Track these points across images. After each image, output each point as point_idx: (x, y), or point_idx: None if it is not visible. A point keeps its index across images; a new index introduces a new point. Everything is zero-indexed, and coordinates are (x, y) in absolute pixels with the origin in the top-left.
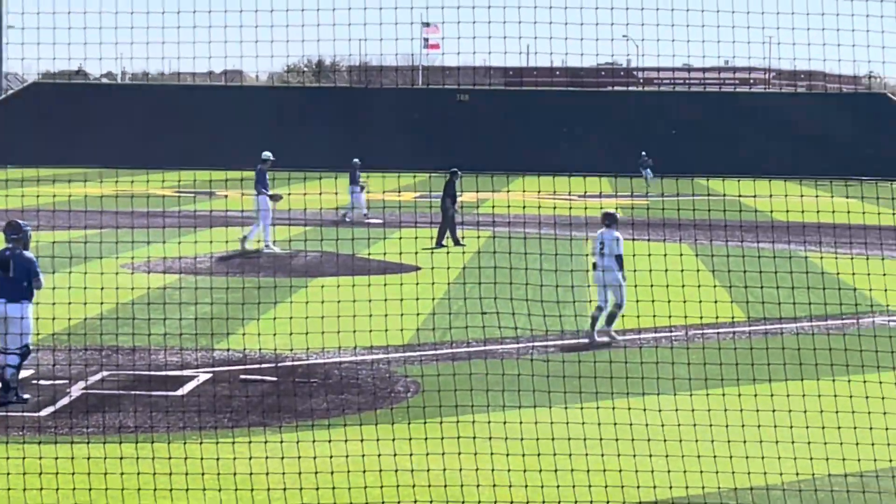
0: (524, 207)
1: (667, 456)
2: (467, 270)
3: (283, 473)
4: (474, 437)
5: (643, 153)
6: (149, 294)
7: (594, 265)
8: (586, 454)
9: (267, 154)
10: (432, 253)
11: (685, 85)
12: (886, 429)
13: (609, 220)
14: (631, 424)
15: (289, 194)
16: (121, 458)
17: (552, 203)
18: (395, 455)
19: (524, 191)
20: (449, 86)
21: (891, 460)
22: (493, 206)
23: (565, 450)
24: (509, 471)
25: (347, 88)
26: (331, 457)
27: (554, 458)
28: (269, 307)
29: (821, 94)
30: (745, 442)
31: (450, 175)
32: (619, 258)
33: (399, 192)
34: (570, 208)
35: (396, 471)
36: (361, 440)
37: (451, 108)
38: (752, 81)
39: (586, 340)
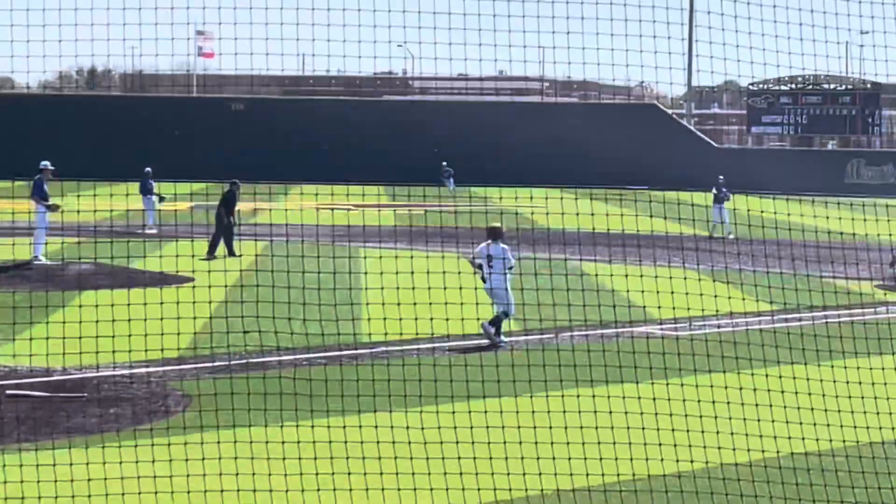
0: (302, 216)
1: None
2: (243, 281)
3: (57, 497)
4: (252, 457)
5: (444, 163)
6: None
7: (483, 278)
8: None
9: (45, 163)
10: (208, 264)
11: (460, 94)
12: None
13: (495, 234)
14: (408, 429)
15: (62, 205)
16: None
17: (330, 212)
18: (171, 476)
19: (301, 199)
20: (224, 94)
21: (679, 460)
22: (271, 216)
23: (343, 461)
24: (287, 488)
25: (120, 97)
26: (105, 478)
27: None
28: (41, 320)
29: (594, 105)
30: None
31: (229, 185)
32: (510, 269)
33: (175, 200)
34: (349, 217)
35: (172, 491)
36: (136, 461)
37: (226, 117)
38: (525, 91)
39: (487, 342)
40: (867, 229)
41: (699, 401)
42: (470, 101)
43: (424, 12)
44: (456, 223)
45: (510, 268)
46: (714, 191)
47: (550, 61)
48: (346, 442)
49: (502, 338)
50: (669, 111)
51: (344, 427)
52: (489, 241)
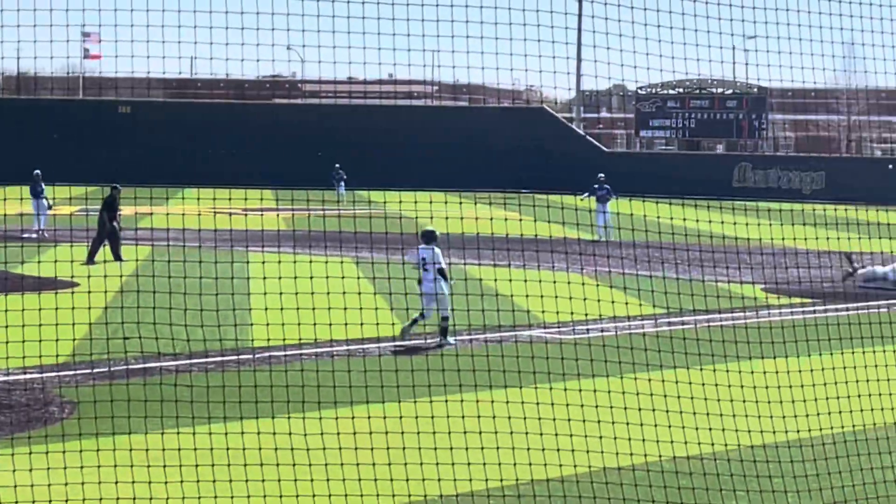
0: (184, 221)
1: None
2: (126, 287)
3: None
4: (132, 464)
5: (337, 165)
6: None
7: (419, 280)
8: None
9: None
10: (89, 269)
11: (348, 97)
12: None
13: (428, 237)
14: (290, 435)
15: None
16: None
17: (213, 217)
18: (49, 485)
19: (184, 204)
20: (110, 97)
21: (563, 465)
22: (152, 220)
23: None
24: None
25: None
26: None
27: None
28: None
29: (483, 108)
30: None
31: (110, 189)
32: (441, 271)
33: (54, 204)
34: (230, 221)
35: (50, 500)
36: (13, 469)
37: (112, 119)
38: (415, 94)
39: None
40: (752, 233)
41: (582, 405)
42: (360, 105)
43: (312, 15)
44: (339, 227)
45: (440, 271)
46: (595, 188)
47: (439, 65)
48: (227, 449)
49: (449, 339)
50: (558, 115)
51: (226, 434)
52: (422, 245)
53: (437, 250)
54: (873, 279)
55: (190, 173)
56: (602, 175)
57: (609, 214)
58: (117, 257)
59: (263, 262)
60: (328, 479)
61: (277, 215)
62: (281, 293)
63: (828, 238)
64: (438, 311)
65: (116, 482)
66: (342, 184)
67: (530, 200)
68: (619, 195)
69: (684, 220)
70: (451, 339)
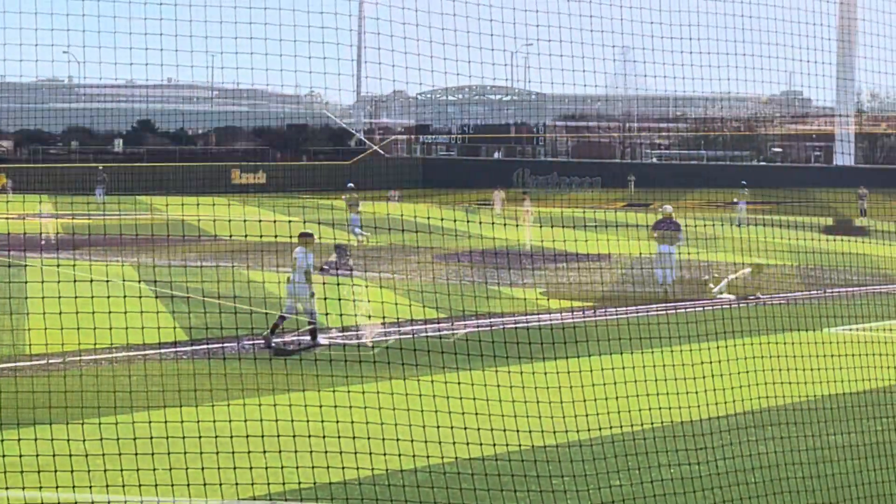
0: None
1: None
2: None
3: None
4: None
5: (100, 167)
6: None
7: (288, 279)
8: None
9: None
10: None
11: (129, 102)
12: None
13: (304, 238)
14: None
15: None
16: None
17: None
18: None
19: None
20: None
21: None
22: None
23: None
24: None
25: None
26: None
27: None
28: None
29: (264, 112)
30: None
31: None
32: (307, 273)
33: None
34: None
35: None
36: None
37: None
38: (195, 98)
39: (262, 342)
40: (534, 237)
41: (365, 407)
42: (138, 108)
43: (89, 16)
44: (104, 231)
45: (306, 271)
46: (345, 197)
47: (220, 67)
48: (3, 456)
49: (320, 340)
50: (339, 120)
51: (1, 441)
52: (300, 246)
53: (309, 252)
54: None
55: None
56: (351, 184)
57: (357, 218)
58: None
59: (42, 267)
60: (107, 486)
61: (56, 220)
62: (60, 297)
63: (608, 241)
64: (291, 305)
65: None
66: (101, 188)
67: (311, 204)
68: (400, 199)
69: (467, 223)
70: (321, 340)
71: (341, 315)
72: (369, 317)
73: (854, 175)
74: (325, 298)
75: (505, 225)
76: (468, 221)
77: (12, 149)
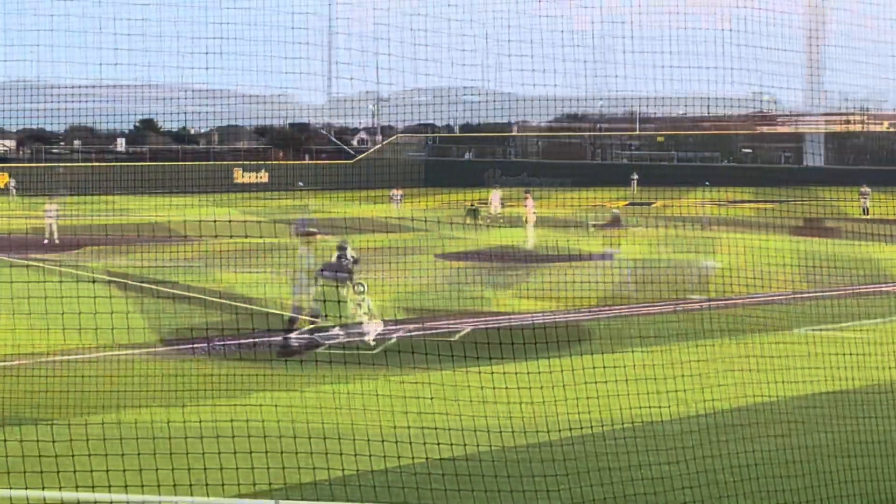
0: None
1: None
2: None
3: None
4: None
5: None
6: None
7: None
8: None
9: None
10: None
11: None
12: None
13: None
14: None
15: None
16: None
17: None
18: None
19: None
20: None
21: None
22: None
23: None
24: None
25: None
26: None
27: None
28: None
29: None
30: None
31: None
32: (309, 272)
33: None
34: None
35: None
36: None
37: None
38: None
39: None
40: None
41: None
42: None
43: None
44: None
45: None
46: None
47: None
48: None
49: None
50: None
51: None
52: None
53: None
54: None
55: None
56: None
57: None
58: None
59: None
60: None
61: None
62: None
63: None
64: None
65: None
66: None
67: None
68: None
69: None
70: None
71: (340, 316)
72: (370, 316)
73: (824, 175)
74: (325, 301)
75: (489, 227)
76: (439, 222)
77: None
